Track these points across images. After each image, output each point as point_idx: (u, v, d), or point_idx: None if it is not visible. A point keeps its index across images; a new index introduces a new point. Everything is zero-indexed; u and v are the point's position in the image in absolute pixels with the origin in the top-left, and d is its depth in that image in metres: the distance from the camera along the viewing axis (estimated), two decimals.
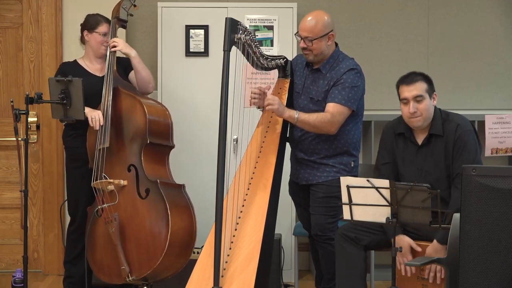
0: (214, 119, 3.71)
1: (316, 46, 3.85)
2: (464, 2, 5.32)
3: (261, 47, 3.82)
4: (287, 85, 4.02)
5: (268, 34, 4.92)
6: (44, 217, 5.18)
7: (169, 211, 3.90)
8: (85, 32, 4.35)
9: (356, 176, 3.92)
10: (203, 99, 4.91)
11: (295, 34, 3.98)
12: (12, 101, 3.84)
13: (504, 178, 2.84)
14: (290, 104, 3.98)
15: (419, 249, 3.52)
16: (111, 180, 4.06)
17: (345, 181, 3.26)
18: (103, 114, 4.10)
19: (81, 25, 4.38)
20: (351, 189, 3.23)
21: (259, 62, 3.82)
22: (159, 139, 4.14)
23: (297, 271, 4.72)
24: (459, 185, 2.98)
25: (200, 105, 4.91)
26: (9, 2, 5.15)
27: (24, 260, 3.85)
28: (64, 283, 4.42)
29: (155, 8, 5.00)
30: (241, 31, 3.52)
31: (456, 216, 3.17)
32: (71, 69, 4.27)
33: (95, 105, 4.17)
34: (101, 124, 4.08)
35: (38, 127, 5.14)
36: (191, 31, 4.92)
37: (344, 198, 3.26)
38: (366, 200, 3.22)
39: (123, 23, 4.37)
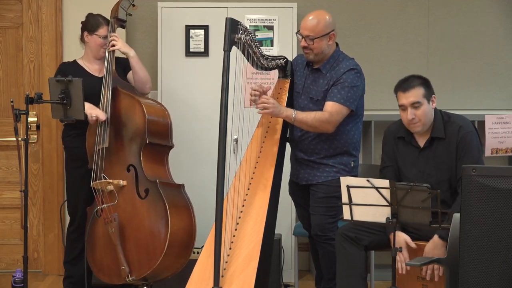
0: (214, 119, 3.71)
1: (317, 45, 3.85)
2: (464, 2, 5.32)
3: (261, 47, 3.82)
4: (287, 85, 4.02)
5: (268, 34, 4.92)
6: (44, 217, 5.18)
7: (168, 211, 3.90)
8: (85, 33, 4.35)
9: (356, 176, 3.92)
10: (203, 99, 4.91)
11: (296, 33, 3.98)
12: (12, 101, 3.84)
13: (504, 178, 2.84)
14: (290, 104, 3.98)
15: (413, 245, 3.51)
16: (111, 180, 4.06)
17: (345, 181, 3.26)
18: None
19: (82, 24, 4.37)
20: (351, 189, 3.23)
21: (259, 62, 3.82)
22: (158, 139, 4.14)
23: (297, 271, 4.72)
24: None
25: (200, 105, 4.91)
26: (9, 2, 5.15)
27: (24, 260, 3.85)
28: (64, 283, 4.42)
29: (155, 8, 5.00)
30: (241, 31, 3.52)
31: (456, 216, 3.17)
32: (71, 69, 4.27)
33: (94, 106, 4.17)
34: (103, 119, 4.07)
35: (38, 127, 5.14)
36: (191, 31, 4.92)
37: (344, 198, 3.26)
38: (366, 200, 3.22)
39: (122, 23, 4.37)
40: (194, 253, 4.13)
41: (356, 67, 3.90)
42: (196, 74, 4.93)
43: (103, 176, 4.08)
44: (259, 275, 3.27)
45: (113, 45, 4.22)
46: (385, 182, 3.19)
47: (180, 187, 4.14)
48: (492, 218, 2.83)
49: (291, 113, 3.78)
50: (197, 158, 4.91)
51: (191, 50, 4.92)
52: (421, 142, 3.66)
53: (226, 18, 3.47)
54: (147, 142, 4.04)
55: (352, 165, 3.95)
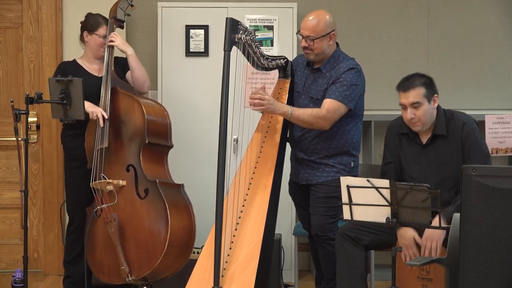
0: (214, 119, 3.71)
1: (317, 46, 3.85)
2: (464, 2, 5.32)
3: (261, 47, 3.82)
4: (287, 86, 4.02)
5: (268, 34, 4.92)
6: (44, 217, 5.18)
7: (168, 211, 3.90)
8: (85, 33, 4.34)
9: (356, 176, 3.92)
10: (203, 99, 4.91)
11: (296, 33, 3.98)
12: (12, 101, 3.84)
13: (504, 178, 2.84)
14: (291, 104, 3.98)
15: (421, 242, 3.51)
16: (110, 181, 4.06)
17: (345, 181, 3.26)
18: None
19: (81, 24, 4.37)
20: (351, 189, 3.23)
21: (260, 62, 3.82)
22: (157, 139, 4.14)
23: (297, 271, 4.72)
24: None
25: (200, 105, 4.91)
26: (9, 2, 5.15)
27: (24, 260, 3.85)
28: (64, 283, 4.42)
29: (155, 8, 5.00)
30: (241, 31, 3.52)
31: (456, 216, 3.17)
32: (70, 68, 4.27)
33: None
34: (106, 118, 4.07)
35: (38, 127, 5.13)
36: (191, 31, 4.92)
37: (344, 198, 3.26)
38: (366, 200, 3.22)
39: (120, 23, 4.37)
40: (194, 253, 4.13)
41: (356, 66, 3.90)
42: (196, 74, 4.93)
43: (103, 176, 4.08)
44: (259, 275, 3.27)
45: (112, 41, 4.23)
46: (385, 182, 3.19)
47: (180, 187, 4.14)
48: (492, 218, 2.83)
49: (288, 109, 3.77)
50: (197, 158, 4.90)
51: (191, 50, 4.92)
52: (424, 139, 3.66)
53: (227, 18, 3.47)
54: (147, 142, 4.04)
55: (352, 165, 3.95)
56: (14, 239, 5.20)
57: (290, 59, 4.12)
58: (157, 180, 3.98)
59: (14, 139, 3.86)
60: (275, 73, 4.19)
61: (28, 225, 3.91)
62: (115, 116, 4.15)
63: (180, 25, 4.93)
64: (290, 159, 4.11)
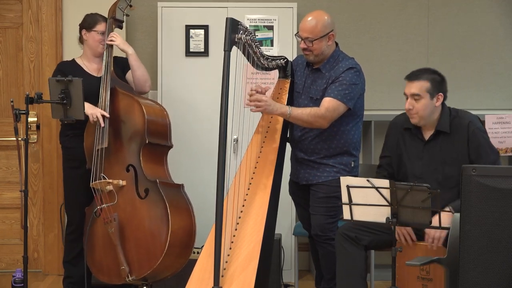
0: (214, 119, 3.71)
1: (316, 47, 3.85)
2: (464, 2, 5.32)
3: (261, 47, 3.82)
4: (287, 86, 4.02)
5: (268, 34, 4.92)
6: (44, 217, 5.17)
7: (169, 211, 3.90)
8: (83, 31, 4.34)
9: (356, 176, 3.92)
10: (203, 99, 4.91)
11: (295, 35, 3.98)
12: (12, 101, 3.84)
13: (504, 178, 2.84)
14: (291, 105, 3.98)
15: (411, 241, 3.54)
16: (110, 180, 4.06)
17: (345, 181, 3.26)
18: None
19: (80, 24, 4.38)
20: (351, 189, 3.23)
21: (260, 62, 3.82)
22: (157, 139, 4.14)
23: (297, 271, 4.72)
24: None
25: (200, 105, 4.91)
26: (9, 2, 5.15)
27: (24, 260, 3.85)
28: (64, 283, 4.42)
29: (155, 8, 5.00)
30: (241, 31, 3.52)
31: (456, 216, 3.17)
32: (70, 68, 4.26)
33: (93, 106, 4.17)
34: (102, 126, 4.07)
35: (38, 127, 5.13)
36: (191, 31, 4.92)
37: (344, 198, 3.26)
38: (366, 200, 3.22)
39: (119, 24, 4.37)
40: (194, 253, 4.13)
41: (355, 66, 3.90)
42: (196, 74, 4.93)
43: (103, 176, 4.08)
44: (259, 275, 3.27)
45: (112, 41, 4.23)
46: (385, 182, 3.19)
47: (180, 187, 4.14)
48: (492, 218, 2.83)
49: (286, 109, 3.77)
50: (197, 158, 4.91)
51: (191, 50, 4.92)
52: (427, 135, 3.66)
53: (227, 18, 3.47)
54: (147, 142, 4.04)
55: (352, 165, 3.95)
56: (14, 239, 5.20)
57: (290, 59, 4.12)
58: (157, 180, 3.98)
59: (14, 139, 3.86)
60: (275, 73, 4.20)
61: (28, 225, 3.91)
62: (115, 116, 4.14)
63: (180, 25, 4.93)
64: (290, 159, 4.11)
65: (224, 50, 3.41)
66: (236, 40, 3.50)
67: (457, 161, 3.55)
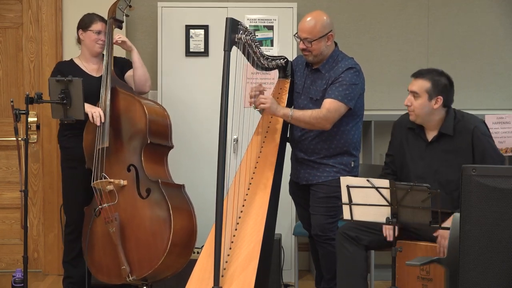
0: (214, 119, 3.71)
1: (315, 47, 3.85)
2: (464, 2, 5.32)
3: (261, 47, 3.82)
4: (287, 86, 4.02)
5: (268, 34, 4.92)
6: (44, 217, 5.17)
7: (171, 211, 3.90)
8: (80, 31, 4.34)
9: (356, 176, 3.92)
10: (203, 99, 4.91)
11: (294, 35, 3.98)
12: (12, 101, 3.84)
13: (504, 178, 2.84)
14: (291, 104, 3.98)
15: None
16: (111, 180, 4.06)
17: (345, 181, 3.26)
18: None
19: (77, 25, 4.38)
20: (351, 189, 3.23)
21: (260, 62, 3.82)
22: (159, 139, 4.14)
23: (297, 271, 4.72)
24: None
25: (200, 105, 4.91)
26: (9, 2, 5.15)
27: (24, 260, 3.85)
28: (64, 283, 4.42)
29: (155, 8, 5.00)
30: (241, 31, 3.52)
31: (456, 216, 3.17)
32: (68, 68, 4.26)
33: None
34: (103, 121, 4.07)
35: (38, 127, 5.13)
36: (191, 31, 4.92)
37: (344, 198, 3.26)
38: (366, 200, 3.22)
39: (119, 24, 4.37)
40: (194, 253, 4.13)
41: (355, 66, 3.90)
42: (196, 74, 4.93)
43: (104, 176, 4.08)
44: (259, 275, 3.27)
45: (120, 38, 4.25)
46: (385, 182, 3.19)
47: (181, 187, 4.14)
48: (492, 218, 2.83)
49: (288, 111, 3.78)
50: (197, 158, 4.91)
51: (191, 50, 4.92)
52: (430, 136, 3.66)
53: (227, 18, 3.47)
54: (148, 142, 4.04)
55: (352, 165, 3.95)
56: (14, 239, 5.20)
57: (290, 59, 4.12)
58: (159, 180, 3.98)
59: (14, 139, 3.86)
60: (275, 73, 4.20)
61: (28, 225, 3.91)
62: (116, 116, 4.14)
63: (180, 25, 4.93)
64: (290, 159, 4.12)
65: (224, 50, 3.41)
66: (236, 40, 3.51)
67: (459, 165, 3.54)
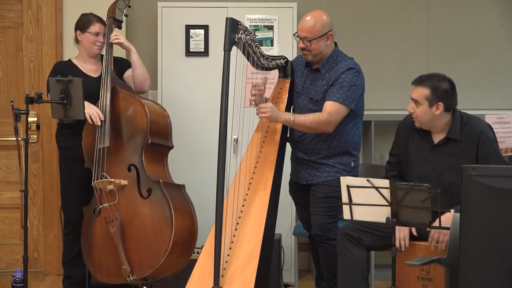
0: (214, 119, 3.71)
1: (315, 46, 3.85)
2: (464, 2, 5.32)
3: (261, 47, 3.82)
4: (287, 85, 4.02)
5: (268, 34, 4.92)
6: (44, 217, 5.17)
7: (172, 211, 3.90)
8: (78, 32, 4.34)
9: (356, 176, 3.92)
10: (203, 99, 4.91)
11: (293, 35, 3.98)
12: (12, 101, 3.84)
13: (504, 178, 2.84)
14: (291, 104, 3.98)
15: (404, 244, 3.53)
16: (112, 180, 4.06)
17: (345, 181, 3.26)
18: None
19: (75, 25, 4.37)
20: (351, 189, 3.23)
21: (260, 62, 3.83)
22: (159, 139, 4.14)
23: (297, 271, 4.72)
24: None
25: (200, 105, 4.91)
26: (9, 2, 5.15)
27: (24, 260, 3.85)
28: (64, 283, 4.42)
29: (155, 8, 5.00)
30: (241, 31, 3.52)
31: (456, 216, 3.17)
32: (66, 68, 4.25)
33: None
34: (102, 119, 4.07)
35: (38, 127, 5.13)
36: (191, 31, 4.92)
37: (344, 198, 3.26)
38: (366, 200, 3.22)
39: (118, 23, 4.37)
40: (194, 253, 4.13)
41: (354, 66, 3.90)
42: (196, 74, 4.93)
43: (104, 175, 4.08)
44: (259, 275, 3.27)
45: (117, 39, 4.23)
46: (385, 182, 3.19)
47: (181, 187, 4.14)
48: (492, 218, 2.83)
49: (290, 117, 3.78)
50: (197, 158, 4.91)
51: (191, 50, 4.93)
52: (436, 139, 3.65)
53: (227, 18, 3.47)
54: (149, 142, 4.04)
55: (352, 165, 3.95)
56: (14, 239, 5.21)
57: (290, 59, 4.12)
58: (160, 180, 3.98)
59: (14, 139, 3.86)
60: (275, 73, 4.20)
61: (28, 225, 3.91)
62: (116, 116, 4.14)
63: (180, 25, 4.93)
64: (290, 159, 4.12)
65: (224, 50, 3.42)
66: (236, 40, 3.51)
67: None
